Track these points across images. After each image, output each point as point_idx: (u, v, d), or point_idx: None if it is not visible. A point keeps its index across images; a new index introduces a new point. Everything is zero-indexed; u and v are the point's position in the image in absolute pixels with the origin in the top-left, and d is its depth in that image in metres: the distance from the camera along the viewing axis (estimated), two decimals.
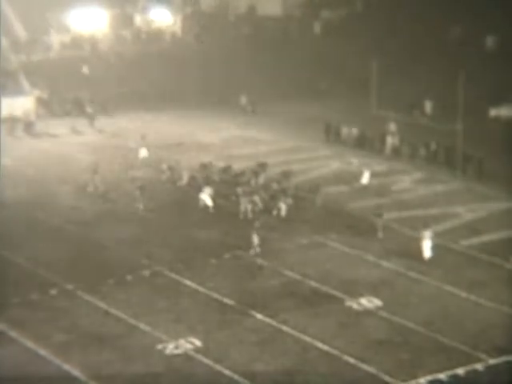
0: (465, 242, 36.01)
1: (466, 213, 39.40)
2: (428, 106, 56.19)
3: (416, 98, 56.07)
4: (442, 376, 26.13)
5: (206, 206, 38.89)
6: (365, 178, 43.19)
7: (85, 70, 61.23)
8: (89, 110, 54.44)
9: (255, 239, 34.45)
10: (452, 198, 41.49)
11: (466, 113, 47.36)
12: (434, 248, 34.86)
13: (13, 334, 28.24)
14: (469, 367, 26.59)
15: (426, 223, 35.02)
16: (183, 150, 48.87)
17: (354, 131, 50.67)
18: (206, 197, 39.19)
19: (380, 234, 36.59)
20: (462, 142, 46.60)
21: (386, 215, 38.65)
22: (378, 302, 30.65)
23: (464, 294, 31.41)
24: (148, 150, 47.02)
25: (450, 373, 26.27)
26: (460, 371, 26.40)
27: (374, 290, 31.59)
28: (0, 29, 62.51)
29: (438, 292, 31.69)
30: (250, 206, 38.38)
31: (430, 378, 26.03)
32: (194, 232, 36.81)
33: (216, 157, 46.49)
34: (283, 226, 37.59)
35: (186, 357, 27.07)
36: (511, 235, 36.31)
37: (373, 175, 44.69)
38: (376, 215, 37.25)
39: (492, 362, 26.96)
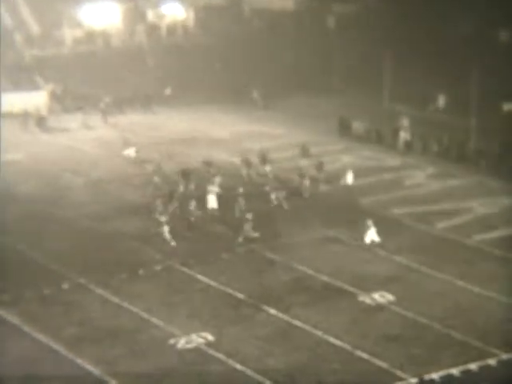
0: (477, 237, 35.90)
1: (479, 207, 39.28)
2: (441, 101, 56.04)
3: (429, 93, 55.94)
4: (454, 371, 26.05)
5: (213, 209, 38.06)
6: (349, 178, 42.31)
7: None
8: (101, 105, 54.53)
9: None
10: (465, 192, 41.37)
11: (479, 107, 47.25)
12: (446, 242, 34.89)
13: (26, 328, 28.33)
14: (481, 362, 26.50)
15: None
16: (195, 144, 48.89)
17: (361, 126, 50.58)
18: (212, 198, 38.20)
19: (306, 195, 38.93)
20: (475, 136, 46.49)
21: (398, 210, 38.68)
22: (390, 297, 30.60)
23: (477, 289, 31.32)
24: (136, 149, 46.30)
25: (462, 368, 26.19)
26: (473, 366, 26.31)
27: (386, 284, 31.53)
28: (13, 24, 62.74)
29: (450, 287, 31.60)
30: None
31: (442, 373, 25.96)
32: (207, 226, 36.77)
33: (227, 151, 46.49)
34: (295, 220, 37.56)
35: (198, 351, 27.08)
36: None
37: (385, 170, 44.69)
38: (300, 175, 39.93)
39: (505, 356, 26.83)
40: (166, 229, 34.88)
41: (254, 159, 43.56)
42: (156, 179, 40.45)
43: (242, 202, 37.81)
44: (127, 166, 44.94)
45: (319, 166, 42.19)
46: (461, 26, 65.11)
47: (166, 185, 40.60)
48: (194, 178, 41.06)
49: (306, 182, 40.33)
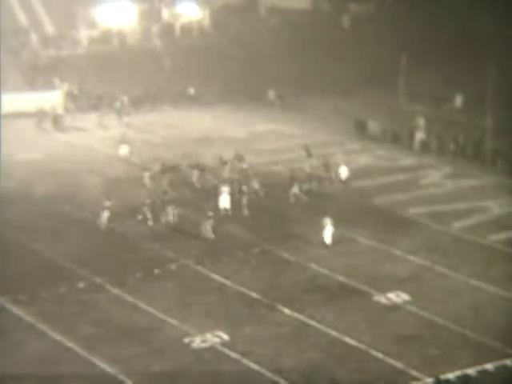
0: (493, 237, 35.73)
1: (495, 207, 39.10)
2: (458, 100, 55.82)
3: (445, 92, 55.74)
4: (470, 371, 25.93)
5: (226, 209, 38.05)
6: (343, 174, 41.80)
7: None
8: (117, 104, 54.63)
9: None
10: (481, 192, 41.19)
11: (495, 107, 47.02)
12: (462, 242, 34.73)
13: (42, 326, 28.42)
14: (498, 362, 26.36)
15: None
16: (211, 144, 48.89)
17: (377, 126, 50.46)
18: (224, 197, 38.22)
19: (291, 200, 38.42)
20: (492, 136, 46.27)
21: (414, 210, 38.55)
22: (405, 297, 30.50)
23: (492, 289, 31.16)
24: (129, 147, 46.22)
25: (478, 368, 26.07)
26: (489, 366, 26.18)
27: (401, 284, 31.44)
28: (29, 24, 62.98)
29: (466, 287, 31.48)
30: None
31: (458, 373, 25.84)
32: (221, 225, 36.76)
33: (243, 151, 46.42)
34: (310, 220, 37.48)
35: (213, 351, 27.09)
36: None
37: (401, 170, 44.57)
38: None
39: None
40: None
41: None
42: (146, 180, 40.31)
43: (245, 200, 37.83)
44: (141, 165, 44.95)
45: (326, 166, 42.07)
46: (477, 25, 64.82)
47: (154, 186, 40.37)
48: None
49: (295, 189, 39.56)
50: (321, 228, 34.67)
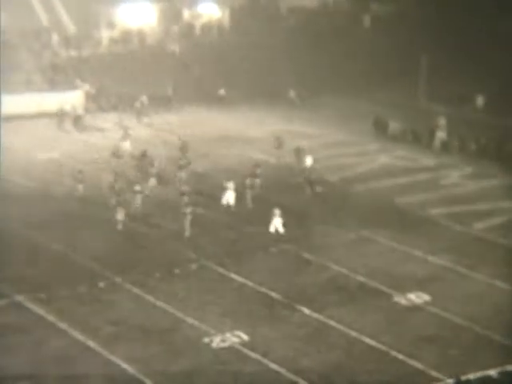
0: None
1: None
2: (479, 100, 55.55)
3: (467, 92, 55.47)
4: (491, 372, 25.78)
5: (230, 206, 38.02)
6: (308, 162, 42.27)
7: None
8: (137, 104, 54.74)
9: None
10: (502, 192, 40.97)
11: None
12: (483, 243, 34.51)
13: (62, 325, 28.51)
14: None
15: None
16: (230, 144, 48.91)
17: (397, 125, 50.34)
18: (230, 194, 38.12)
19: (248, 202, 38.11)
20: None
21: (434, 210, 38.36)
22: (426, 298, 30.37)
23: None
24: (131, 143, 46.41)
25: (499, 369, 25.90)
26: (510, 368, 26.00)
27: (422, 285, 31.31)
28: (50, 24, 63.32)
29: (487, 288, 31.30)
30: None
31: (479, 374, 25.70)
32: (241, 226, 36.76)
33: (262, 151, 46.43)
34: (329, 220, 37.43)
35: (232, 350, 27.07)
36: None
37: (422, 170, 44.41)
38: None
39: None
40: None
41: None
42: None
43: (249, 194, 38.01)
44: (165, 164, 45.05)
45: (297, 156, 42.33)
46: (499, 25, 64.46)
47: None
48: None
49: (257, 181, 39.55)
50: (270, 218, 35.15)
